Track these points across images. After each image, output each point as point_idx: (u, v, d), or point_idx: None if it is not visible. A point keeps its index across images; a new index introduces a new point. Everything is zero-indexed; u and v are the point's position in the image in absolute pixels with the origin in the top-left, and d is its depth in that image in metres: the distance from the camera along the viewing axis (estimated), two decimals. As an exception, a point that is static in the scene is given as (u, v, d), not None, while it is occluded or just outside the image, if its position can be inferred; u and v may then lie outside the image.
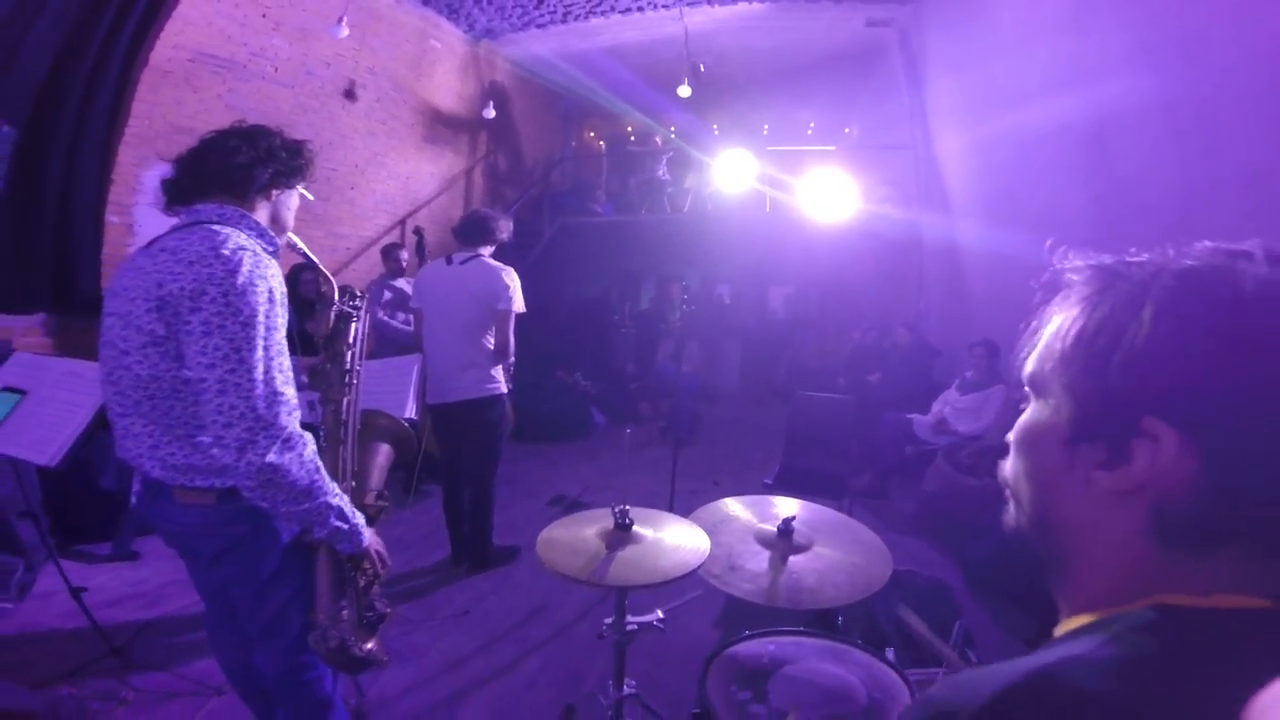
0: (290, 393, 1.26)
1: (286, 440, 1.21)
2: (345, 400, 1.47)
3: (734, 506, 1.80)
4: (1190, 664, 0.39)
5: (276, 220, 1.44)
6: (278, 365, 1.24)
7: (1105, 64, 3.54)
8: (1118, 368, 0.44)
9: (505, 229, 3.14)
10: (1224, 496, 0.42)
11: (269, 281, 1.25)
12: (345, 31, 5.21)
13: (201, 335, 1.19)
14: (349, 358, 1.51)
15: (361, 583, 1.42)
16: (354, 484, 1.47)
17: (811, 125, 9.67)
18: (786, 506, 1.77)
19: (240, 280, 1.20)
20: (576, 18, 6.68)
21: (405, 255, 4.85)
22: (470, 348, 3.01)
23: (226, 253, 1.22)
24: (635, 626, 1.66)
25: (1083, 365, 0.47)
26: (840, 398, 4.19)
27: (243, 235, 1.29)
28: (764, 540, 1.62)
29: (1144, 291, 0.45)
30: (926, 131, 6.52)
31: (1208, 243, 0.46)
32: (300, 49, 5.30)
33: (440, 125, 7.13)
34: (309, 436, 1.27)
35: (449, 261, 3.09)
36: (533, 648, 2.59)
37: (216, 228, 1.28)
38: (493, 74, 7.81)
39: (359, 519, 1.36)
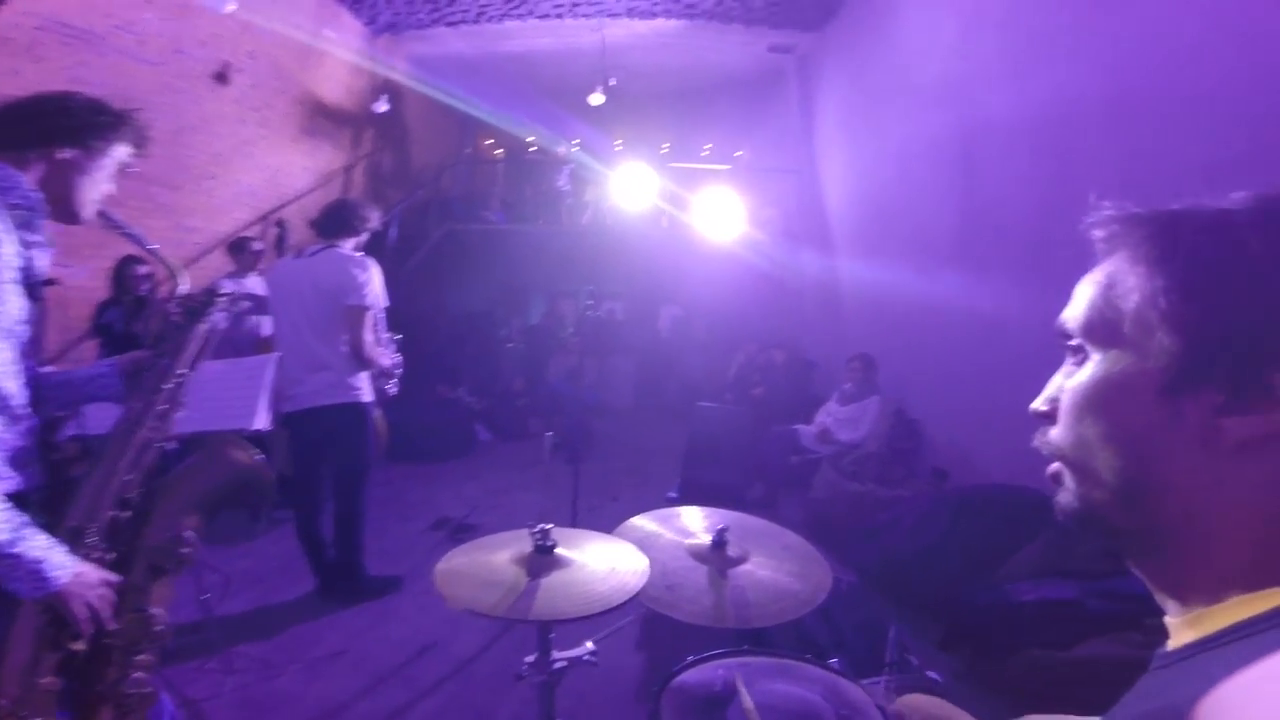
0: None
1: None
2: (151, 409, 1.23)
3: (644, 523, 1.65)
4: None
5: (68, 185, 1.19)
6: None
7: (982, 85, 3.82)
8: (1245, 291, 0.40)
9: (372, 219, 2.88)
10: None
11: None
12: (231, 7, 4.65)
13: None
14: (174, 363, 1.29)
15: (76, 646, 1.08)
16: (129, 513, 1.19)
17: (708, 146, 9.98)
18: (693, 518, 1.67)
19: None
20: (490, 19, 6.43)
21: (259, 247, 4.31)
22: (321, 348, 2.67)
23: None
24: (564, 663, 1.45)
25: (1184, 295, 0.41)
26: (737, 408, 4.23)
27: None
28: (698, 555, 1.50)
29: (1231, 216, 0.42)
30: (813, 154, 6.91)
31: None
32: (174, 25, 4.66)
33: (321, 118, 6.56)
34: None
35: (299, 254, 2.83)
36: (427, 689, 2.29)
37: None
38: (389, 70, 7.32)
39: (45, 553, 1.02)
